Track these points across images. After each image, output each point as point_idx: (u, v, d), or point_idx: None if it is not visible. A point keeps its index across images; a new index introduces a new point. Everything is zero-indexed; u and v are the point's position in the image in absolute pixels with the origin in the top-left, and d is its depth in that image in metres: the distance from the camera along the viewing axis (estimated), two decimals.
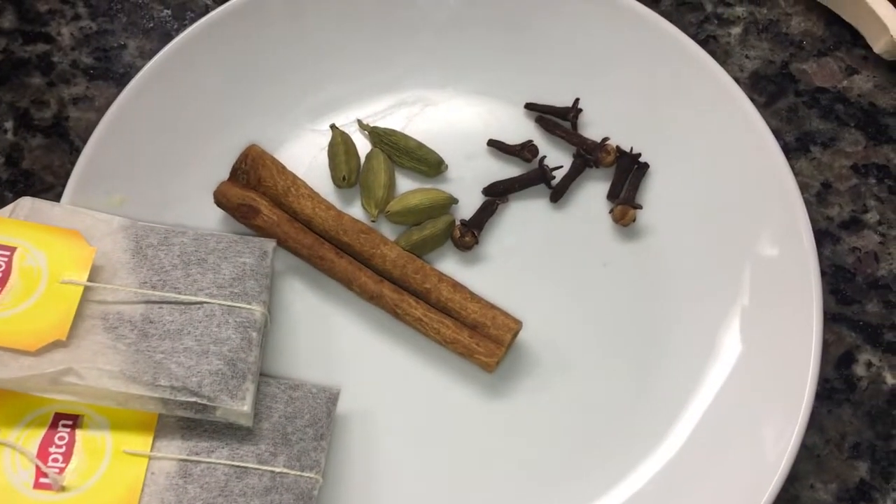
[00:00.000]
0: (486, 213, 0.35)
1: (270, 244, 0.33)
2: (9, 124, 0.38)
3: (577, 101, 0.37)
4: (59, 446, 0.28)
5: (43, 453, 0.28)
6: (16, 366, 0.28)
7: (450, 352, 0.33)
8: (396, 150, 0.36)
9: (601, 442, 0.32)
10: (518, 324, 0.32)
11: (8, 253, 0.30)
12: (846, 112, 0.39)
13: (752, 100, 0.39)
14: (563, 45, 0.37)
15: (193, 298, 0.31)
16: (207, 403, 0.29)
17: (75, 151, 0.38)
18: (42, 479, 0.28)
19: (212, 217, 0.35)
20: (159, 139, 0.35)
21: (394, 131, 0.36)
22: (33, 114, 0.38)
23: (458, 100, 0.37)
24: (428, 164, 0.36)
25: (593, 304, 0.34)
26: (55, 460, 0.28)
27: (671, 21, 0.38)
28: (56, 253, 0.30)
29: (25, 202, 0.32)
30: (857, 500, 0.33)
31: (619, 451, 0.32)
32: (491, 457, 0.32)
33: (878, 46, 0.39)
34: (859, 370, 0.35)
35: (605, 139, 0.36)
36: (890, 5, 0.38)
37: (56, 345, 0.29)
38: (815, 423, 0.34)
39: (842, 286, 0.36)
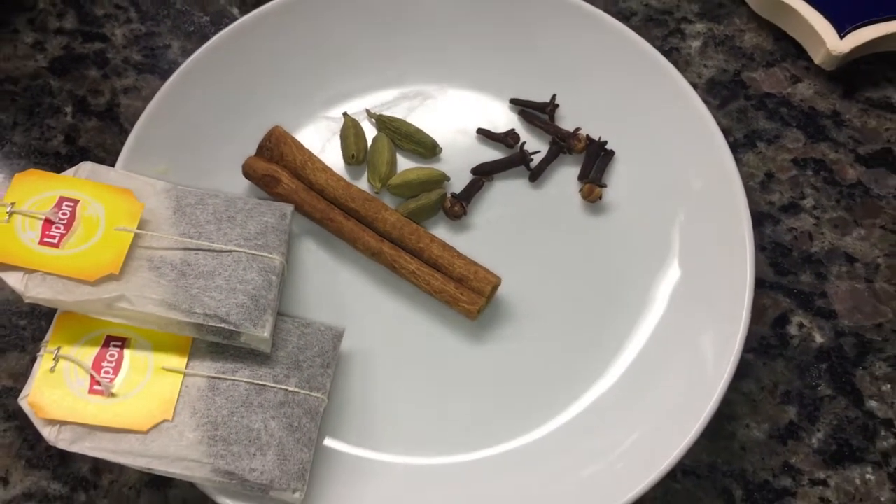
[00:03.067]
0: (473, 189, 0.41)
1: (289, 208, 0.39)
2: (68, 109, 0.45)
3: (554, 96, 0.43)
4: (109, 361, 0.34)
5: (96, 366, 0.34)
6: (79, 292, 0.34)
7: (438, 301, 0.39)
8: (398, 134, 0.42)
9: (562, 374, 0.37)
10: (497, 279, 0.38)
11: (73, 204, 0.36)
12: (789, 114, 0.45)
13: (708, 102, 0.45)
14: (546, 50, 0.43)
15: (224, 247, 0.37)
16: (234, 329, 0.34)
17: (124, 133, 0.44)
18: (95, 387, 0.34)
19: (240, 186, 0.41)
20: (196, 122, 0.41)
21: (397, 118, 0.42)
22: (89, 100, 0.45)
23: (452, 94, 0.43)
24: (425, 146, 0.42)
25: (562, 266, 0.40)
26: (106, 372, 0.34)
27: (640, 34, 0.44)
28: (111, 206, 0.36)
29: (86, 165, 0.38)
30: (787, 437, 0.38)
31: (576, 379, 0.37)
32: (471, 386, 0.37)
33: (818, 58, 0.45)
34: (792, 330, 0.40)
35: (577, 129, 0.42)
36: (827, 22, 0.44)
37: (110, 277, 0.34)
38: (751, 373, 0.39)
39: (780, 260, 0.42)
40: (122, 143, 0.40)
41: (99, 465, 0.37)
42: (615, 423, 0.36)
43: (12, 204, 0.35)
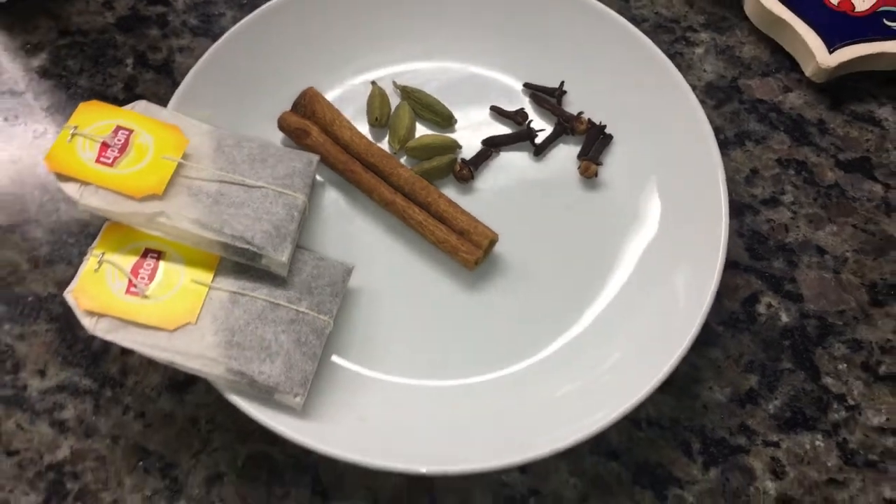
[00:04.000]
0: (482, 157, 0.46)
1: (315, 157, 0.44)
2: (129, 61, 0.50)
3: (562, 83, 0.47)
4: (146, 269, 0.39)
5: (134, 272, 0.39)
6: (126, 205, 0.39)
7: (441, 251, 0.43)
8: (419, 104, 0.46)
9: (546, 318, 0.41)
10: (495, 234, 0.42)
11: (127, 133, 0.41)
12: (778, 119, 0.49)
13: (704, 103, 0.49)
14: (560, 41, 0.48)
15: (255, 183, 0.41)
16: (256, 251, 0.39)
17: (176, 86, 0.49)
18: (132, 289, 0.38)
19: (274, 138, 0.46)
20: (240, 78, 0.46)
21: (419, 90, 0.47)
22: (149, 56, 0.50)
23: (472, 73, 0.48)
24: (442, 117, 0.46)
25: (555, 231, 0.44)
26: (143, 278, 0.39)
27: (649, 38, 0.48)
28: (160, 138, 0.41)
29: (141, 103, 0.43)
30: (746, 402, 0.42)
31: (558, 320, 0.41)
32: (462, 326, 0.41)
33: (808, 70, 0.50)
34: (761, 309, 0.44)
35: (580, 113, 0.47)
36: (818, 38, 0.49)
37: (154, 196, 0.39)
38: (719, 343, 0.43)
39: (756, 246, 0.46)
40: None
41: (126, 368, 0.42)
42: (592, 358, 0.40)
43: (75, 127, 0.40)
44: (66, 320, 0.43)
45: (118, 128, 0.41)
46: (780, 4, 0.50)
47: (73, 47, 0.50)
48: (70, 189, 0.39)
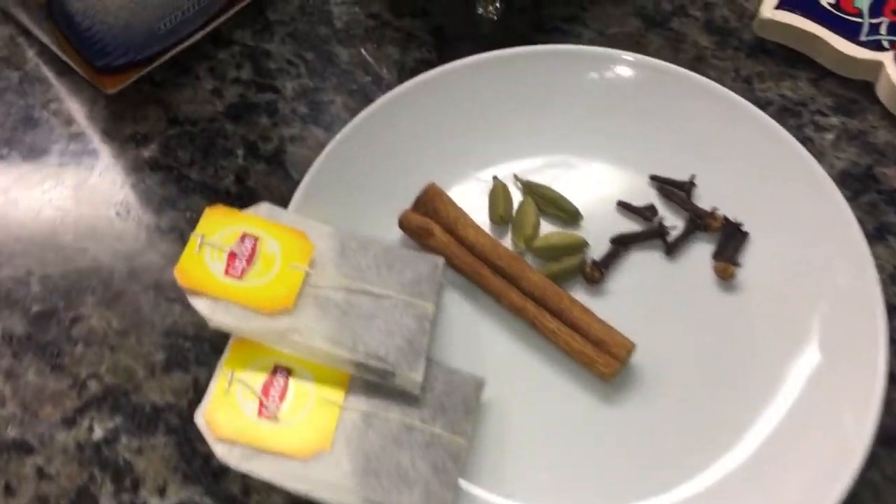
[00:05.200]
0: (612, 257, 0.43)
1: (440, 260, 0.42)
2: (240, 152, 0.49)
3: (692, 176, 0.45)
4: (276, 388, 0.37)
5: (265, 391, 0.37)
6: (256, 322, 0.37)
7: (575, 361, 0.41)
8: (543, 199, 0.45)
9: (690, 443, 0.39)
10: (632, 344, 0.40)
11: (254, 240, 0.39)
12: None
13: None
14: (688, 132, 0.46)
15: (383, 292, 0.40)
16: (390, 370, 0.37)
17: (289, 178, 0.48)
18: (263, 411, 0.37)
19: (392, 237, 0.44)
20: (359, 176, 0.44)
21: (542, 185, 0.45)
22: (259, 146, 0.49)
23: (596, 166, 0.46)
24: (568, 213, 0.44)
25: (694, 338, 0.41)
26: (273, 398, 0.37)
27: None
28: (286, 245, 0.40)
29: (264, 206, 0.41)
30: None
31: (704, 449, 0.39)
32: (602, 449, 0.39)
33: None
34: None
35: (715, 209, 0.44)
36: None
37: (284, 311, 0.38)
38: (877, 464, 0.40)
39: None
40: (287, 187, 0.44)
41: (248, 486, 0.40)
42: (750, 490, 0.37)
43: (202, 236, 0.39)
44: (183, 432, 0.41)
45: (244, 235, 0.40)
46: None
47: (182, 137, 0.49)
48: (201, 306, 0.37)
